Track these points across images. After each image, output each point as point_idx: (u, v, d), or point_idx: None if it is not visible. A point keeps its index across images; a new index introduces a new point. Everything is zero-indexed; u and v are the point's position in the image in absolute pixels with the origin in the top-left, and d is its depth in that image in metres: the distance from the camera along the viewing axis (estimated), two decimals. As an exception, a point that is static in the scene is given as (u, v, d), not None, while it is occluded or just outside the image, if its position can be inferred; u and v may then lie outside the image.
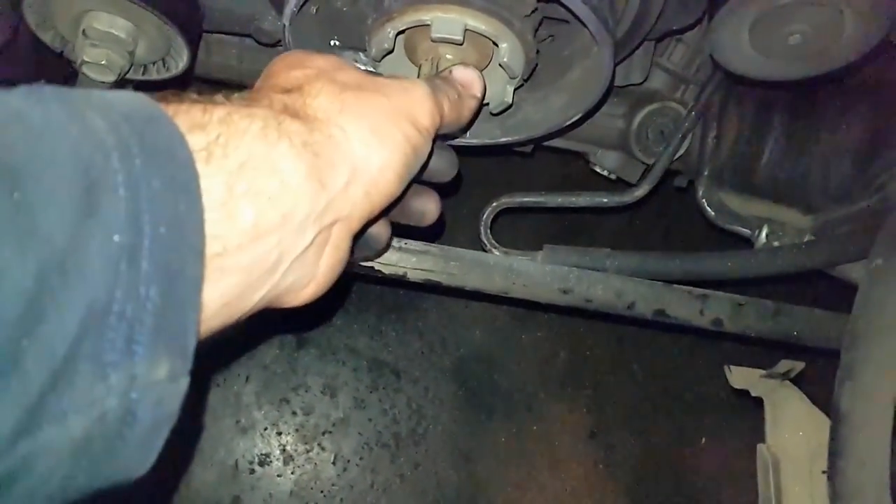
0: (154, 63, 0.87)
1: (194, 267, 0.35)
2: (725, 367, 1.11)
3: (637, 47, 0.95)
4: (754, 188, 1.20)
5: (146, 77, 0.89)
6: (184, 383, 0.35)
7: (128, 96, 0.37)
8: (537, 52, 0.81)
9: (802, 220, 1.20)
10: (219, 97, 0.43)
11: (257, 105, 0.43)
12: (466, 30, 0.76)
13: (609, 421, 1.73)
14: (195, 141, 0.37)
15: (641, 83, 1.14)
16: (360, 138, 0.46)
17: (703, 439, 1.76)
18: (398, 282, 1.02)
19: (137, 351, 0.32)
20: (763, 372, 1.06)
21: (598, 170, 1.30)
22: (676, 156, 1.17)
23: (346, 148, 0.45)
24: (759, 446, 1.01)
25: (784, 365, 1.02)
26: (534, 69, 0.84)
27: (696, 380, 1.79)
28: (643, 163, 1.23)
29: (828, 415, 1.05)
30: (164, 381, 0.34)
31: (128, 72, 0.84)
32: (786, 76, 0.82)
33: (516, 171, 1.77)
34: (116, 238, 0.31)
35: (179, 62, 0.86)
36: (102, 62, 0.78)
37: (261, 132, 0.41)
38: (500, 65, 0.80)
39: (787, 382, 1.05)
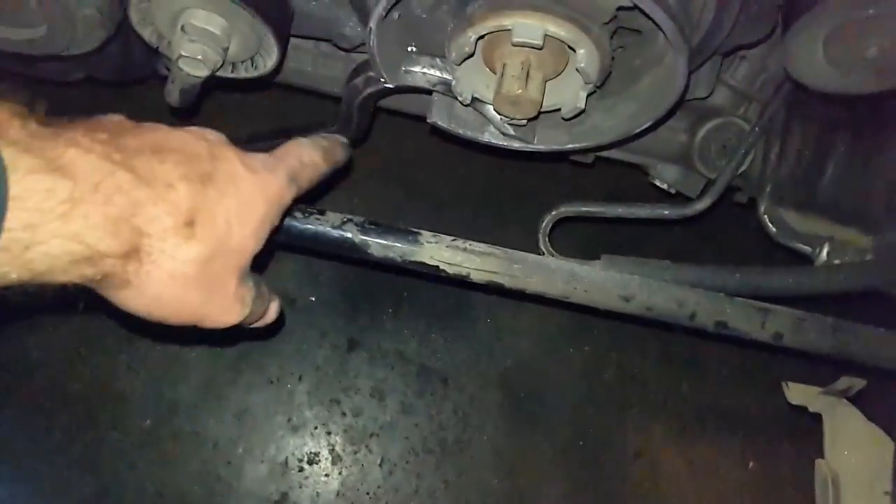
0: (243, 62, 0.92)
1: None
2: (783, 384, 1.10)
3: (706, 60, 0.97)
4: (815, 206, 1.20)
5: (234, 75, 0.94)
6: None
7: None
8: (612, 59, 0.84)
9: (863, 240, 1.19)
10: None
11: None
12: (546, 35, 0.79)
13: (655, 441, 1.72)
14: None
15: (706, 98, 1.16)
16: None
17: (751, 463, 1.74)
18: (460, 282, 1.05)
19: None
20: (821, 389, 1.06)
21: (657, 183, 1.31)
22: (739, 171, 1.18)
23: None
24: (818, 462, 1.01)
25: (844, 382, 1.01)
26: (607, 76, 0.87)
27: (744, 402, 1.77)
28: (704, 177, 1.24)
29: (888, 434, 1.04)
30: None
31: (219, 68, 0.88)
32: (861, 90, 0.83)
33: (568, 183, 1.79)
34: None
35: (269, 61, 0.91)
36: (198, 57, 0.83)
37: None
38: (576, 69, 0.83)
39: (846, 400, 1.04)
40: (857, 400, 1.05)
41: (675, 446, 1.72)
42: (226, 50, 0.86)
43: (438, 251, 1.02)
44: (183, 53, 0.84)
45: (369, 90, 0.98)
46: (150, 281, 0.54)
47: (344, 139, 0.77)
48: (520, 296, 1.06)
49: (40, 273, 0.50)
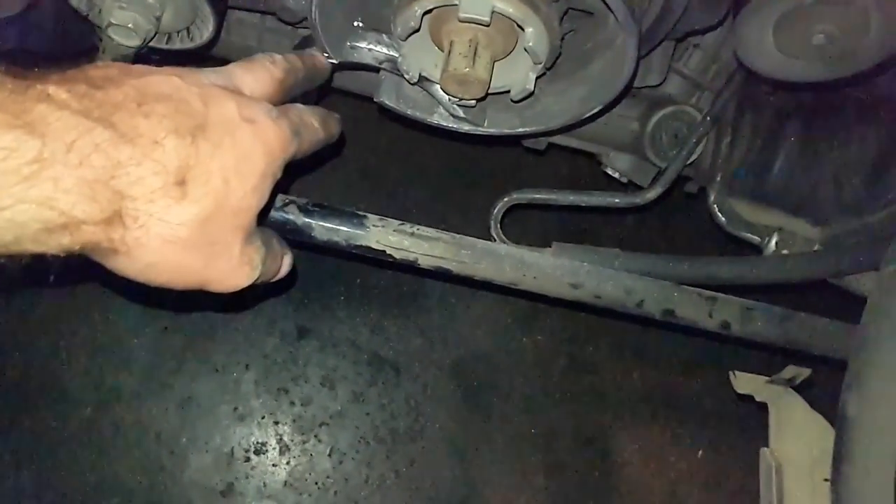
0: (178, 32, 0.88)
1: None
2: (730, 373, 1.10)
3: (657, 45, 0.96)
4: (765, 197, 1.21)
5: (169, 46, 0.89)
6: None
7: None
8: (562, 39, 0.82)
9: (812, 230, 1.20)
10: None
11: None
12: (494, 11, 0.76)
13: (607, 427, 1.73)
14: None
15: (658, 86, 1.15)
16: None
17: (700, 451, 1.75)
18: (407, 268, 1.02)
19: None
20: (768, 378, 1.06)
21: (609, 171, 1.31)
22: (689, 161, 1.17)
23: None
24: (763, 450, 1.01)
25: (789, 371, 1.02)
26: (557, 58, 0.85)
27: (695, 391, 1.78)
28: (655, 166, 1.24)
29: (831, 423, 1.05)
30: None
31: (152, 38, 0.84)
32: (808, 77, 0.83)
33: (525, 171, 1.78)
34: None
35: (204, 32, 0.87)
36: (129, 25, 0.79)
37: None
38: (525, 49, 0.80)
39: (791, 389, 1.05)
40: (802, 389, 1.06)
41: (625, 434, 1.73)
42: (159, 19, 0.82)
43: (385, 235, 0.99)
44: (113, 21, 0.80)
45: (314, 67, 0.95)
46: (141, 247, 0.49)
47: (336, 115, 0.71)
48: (470, 283, 1.04)
49: (6, 243, 0.45)
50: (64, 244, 0.46)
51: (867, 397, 0.81)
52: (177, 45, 0.90)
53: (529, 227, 1.73)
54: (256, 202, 0.55)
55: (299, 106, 0.64)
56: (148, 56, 0.89)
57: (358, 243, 0.99)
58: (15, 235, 0.44)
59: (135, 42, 0.81)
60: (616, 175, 1.30)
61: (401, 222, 1.01)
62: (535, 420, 1.70)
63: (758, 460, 1.74)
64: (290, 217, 0.96)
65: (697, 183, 1.28)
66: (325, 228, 0.97)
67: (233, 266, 0.56)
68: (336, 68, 0.94)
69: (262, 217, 0.58)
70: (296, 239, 0.98)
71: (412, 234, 1.00)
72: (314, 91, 0.78)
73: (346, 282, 1.71)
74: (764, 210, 1.20)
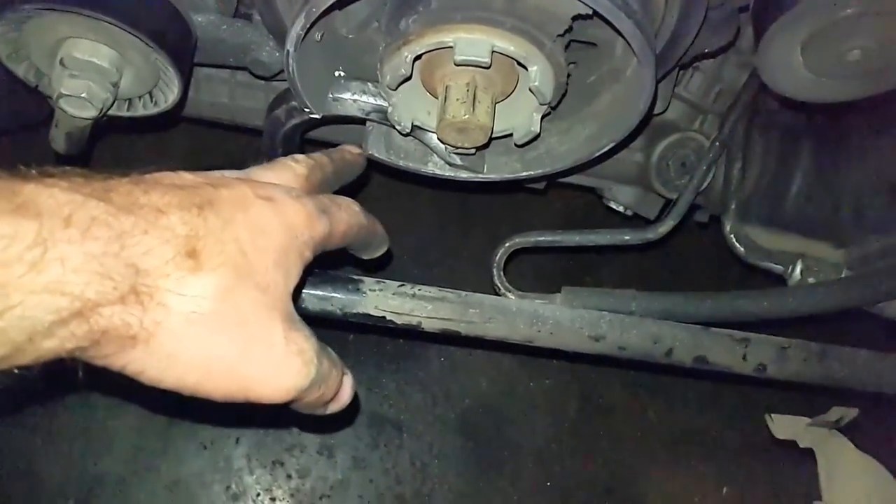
0: (141, 97, 0.79)
1: None
2: (767, 416, 1.02)
3: (669, 73, 0.88)
4: (783, 222, 1.13)
5: (132, 113, 0.80)
6: None
7: None
8: (568, 75, 0.74)
9: (835, 254, 1.12)
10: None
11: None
12: (493, 51, 0.68)
13: (626, 472, 1.63)
14: None
15: (661, 114, 1.07)
16: None
17: (725, 488, 1.66)
18: (411, 332, 0.93)
19: None
20: (809, 420, 0.97)
21: (612, 206, 1.23)
22: (700, 189, 1.10)
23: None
24: (817, 504, 0.92)
25: (835, 413, 0.93)
26: (563, 96, 0.77)
27: (714, 424, 1.70)
28: (663, 197, 1.16)
29: (884, 463, 0.97)
30: None
31: (111, 106, 0.75)
32: (843, 97, 0.76)
33: (520, 205, 1.70)
34: None
35: (169, 95, 0.78)
36: (82, 95, 0.69)
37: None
38: (529, 90, 0.72)
39: (837, 432, 0.96)
40: (847, 430, 0.97)
41: (646, 478, 1.63)
42: (116, 85, 0.73)
43: (384, 300, 0.90)
44: (64, 91, 0.70)
45: (293, 122, 0.86)
46: (162, 331, 0.42)
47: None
48: (480, 343, 0.95)
49: (18, 346, 0.38)
50: (78, 336, 0.39)
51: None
52: (140, 111, 0.80)
53: (524, 260, 1.65)
54: (283, 279, 0.47)
55: (332, 195, 0.57)
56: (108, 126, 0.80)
57: (355, 311, 0.89)
58: (28, 335, 0.38)
59: (90, 113, 0.72)
60: (620, 209, 1.22)
61: (400, 283, 0.92)
62: (550, 472, 1.59)
63: (783, 494, 1.66)
64: (278, 290, 0.86)
65: (709, 211, 1.21)
66: (316, 298, 0.88)
67: (277, 357, 0.46)
68: (318, 123, 0.86)
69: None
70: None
71: (414, 296, 0.91)
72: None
73: (337, 337, 1.60)
74: (784, 236, 1.12)
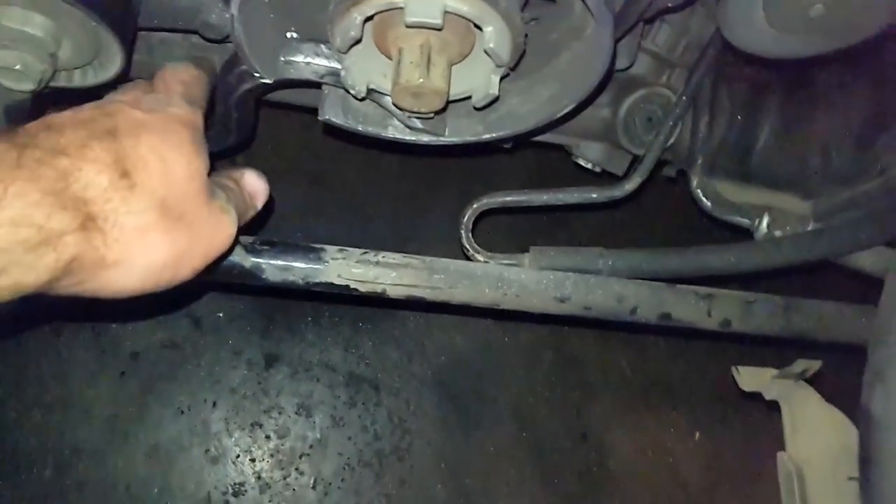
0: (83, 67, 0.75)
1: None
2: (733, 369, 1.03)
3: (630, 30, 0.86)
4: (750, 175, 1.13)
5: (77, 84, 0.77)
6: None
7: None
8: (525, 35, 0.71)
9: (802, 205, 1.13)
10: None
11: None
12: (446, 12, 0.66)
13: (600, 421, 1.66)
14: None
15: (627, 69, 1.05)
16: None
17: (697, 434, 1.70)
18: (376, 300, 0.92)
19: None
20: (776, 372, 0.99)
21: (581, 163, 1.21)
22: (667, 144, 1.08)
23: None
24: (780, 455, 0.94)
25: (800, 364, 0.94)
26: (521, 56, 0.75)
27: (686, 373, 1.73)
28: (630, 153, 1.15)
29: (847, 414, 0.98)
30: None
31: (51, 78, 0.71)
32: (806, 52, 0.74)
33: (491, 164, 1.68)
34: None
35: (112, 66, 0.74)
36: (17, 67, 0.66)
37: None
38: (484, 51, 0.70)
39: (803, 383, 0.97)
40: (814, 380, 0.99)
41: (619, 425, 1.67)
42: (54, 56, 0.69)
43: (347, 268, 0.89)
44: (-2, 64, 0.67)
45: (244, 87, 0.83)
46: (126, 247, 0.50)
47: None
48: (447, 308, 0.95)
49: None
50: (50, 263, 0.45)
51: (893, 393, 0.74)
52: (81, 82, 0.77)
53: (498, 221, 1.64)
54: (199, 163, 0.56)
55: (169, 66, 0.69)
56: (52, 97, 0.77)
57: (317, 280, 0.88)
58: (1, 264, 0.44)
59: (28, 86, 0.68)
60: (588, 166, 1.20)
61: (363, 251, 0.91)
62: (526, 423, 1.62)
63: (754, 438, 1.70)
64: (236, 260, 0.85)
65: (677, 166, 1.20)
66: (277, 268, 0.87)
67: (212, 223, 0.57)
68: (270, 88, 0.83)
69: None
70: (247, 283, 0.87)
71: (377, 263, 0.90)
72: None
73: (312, 301, 1.60)
74: (751, 189, 1.12)
